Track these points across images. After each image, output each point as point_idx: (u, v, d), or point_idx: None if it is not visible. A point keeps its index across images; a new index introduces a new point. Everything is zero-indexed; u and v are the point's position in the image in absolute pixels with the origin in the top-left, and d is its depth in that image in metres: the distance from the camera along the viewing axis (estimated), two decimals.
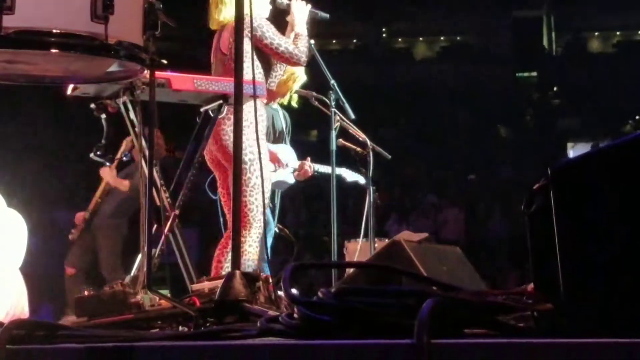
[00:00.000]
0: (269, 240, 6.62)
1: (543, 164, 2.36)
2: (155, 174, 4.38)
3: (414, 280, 2.58)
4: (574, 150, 20.49)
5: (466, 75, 25.27)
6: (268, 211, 6.77)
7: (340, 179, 7.08)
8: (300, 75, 6.84)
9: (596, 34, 29.19)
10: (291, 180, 7.05)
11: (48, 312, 9.96)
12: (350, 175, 7.45)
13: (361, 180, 7.38)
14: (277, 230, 6.89)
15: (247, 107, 4.70)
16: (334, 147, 6.62)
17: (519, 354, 1.74)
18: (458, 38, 30.28)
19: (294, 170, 7.04)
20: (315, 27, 6.07)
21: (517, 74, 27.13)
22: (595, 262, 1.97)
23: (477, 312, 2.10)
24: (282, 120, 7.09)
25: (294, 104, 7.03)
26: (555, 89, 26.70)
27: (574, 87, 24.87)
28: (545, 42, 28.45)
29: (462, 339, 2.02)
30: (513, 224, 17.00)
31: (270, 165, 6.52)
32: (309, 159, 7.16)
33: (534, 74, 27.75)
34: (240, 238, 3.11)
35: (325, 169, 7.09)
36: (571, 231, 2.02)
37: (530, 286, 2.37)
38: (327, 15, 6.16)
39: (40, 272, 8.21)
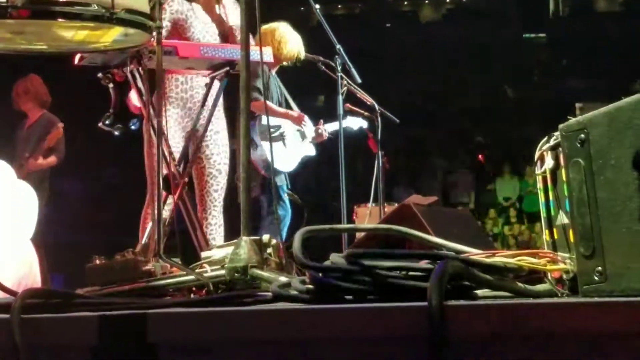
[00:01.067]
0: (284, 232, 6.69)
1: (552, 125, 2.35)
2: (163, 142, 4.38)
3: (424, 244, 2.57)
4: (582, 112, 20.39)
5: (472, 37, 25.14)
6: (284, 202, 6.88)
7: (347, 131, 7.10)
8: (289, 39, 6.82)
9: None
10: (313, 151, 7.11)
11: (59, 281, 10.01)
12: (355, 123, 7.46)
13: (364, 124, 7.41)
14: (287, 197, 6.92)
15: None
16: (341, 111, 6.61)
17: (532, 313, 1.74)
18: (463, 0, 30.11)
19: (312, 139, 7.11)
20: None
21: (524, 35, 26.99)
22: (607, 220, 1.97)
23: (489, 274, 2.10)
24: (282, 88, 7.11)
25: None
26: (562, 49, 26.57)
27: (581, 47, 24.74)
28: (551, 2, 28.27)
29: (475, 300, 2.02)
30: (522, 184, 16.99)
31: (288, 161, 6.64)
32: (321, 121, 7.19)
33: (541, 34, 27.60)
34: (246, 205, 3.10)
35: (333, 126, 7.12)
36: (582, 190, 2.02)
37: (543, 246, 2.37)
38: None
39: (50, 242, 8.24)
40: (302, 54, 6.86)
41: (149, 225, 4.36)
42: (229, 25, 5.67)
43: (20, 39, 3.07)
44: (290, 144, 7.03)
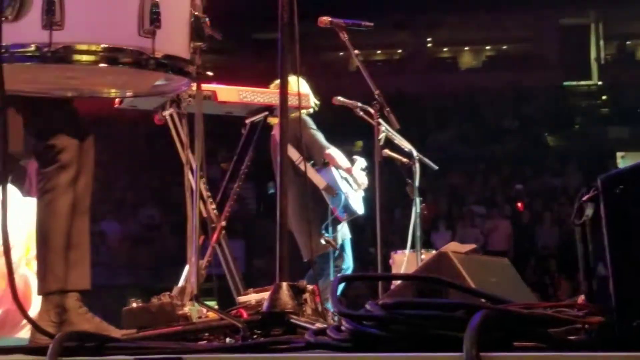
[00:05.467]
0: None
1: (592, 174, 2.33)
2: (202, 186, 4.40)
3: (461, 293, 2.55)
4: (623, 160, 20.26)
5: (513, 84, 25.12)
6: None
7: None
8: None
9: None
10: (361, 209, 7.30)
11: None
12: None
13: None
14: (324, 242, 6.93)
15: None
16: (378, 158, 6.61)
17: None
18: (504, 47, 30.13)
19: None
20: (359, 38, 6.06)
21: (564, 83, 26.92)
22: None
23: (526, 325, 2.08)
24: None
25: None
26: (604, 97, 26.47)
27: (623, 95, 24.63)
28: (593, 50, 28.22)
29: (512, 352, 2.00)
30: (562, 234, 16.86)
31: None
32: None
33: (583, 82, 27.52)
34: (283, 251, 3.10)
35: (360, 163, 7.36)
36: (622, 242, 2.00)
37: (581, 298, 2.34)
38: (371, 24, 6.17)
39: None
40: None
41: (186, 268, 4.38)
42: None
43: (62, 83, 3.11)
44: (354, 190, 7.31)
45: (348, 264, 7.27)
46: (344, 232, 7.26)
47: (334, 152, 7.14)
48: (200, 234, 4.22)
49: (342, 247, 7.22)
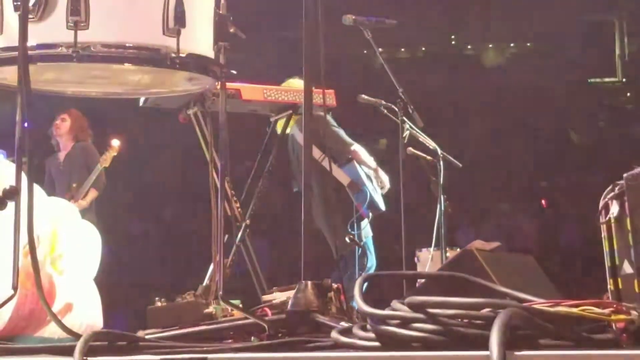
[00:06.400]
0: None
1: (617, 171, 2.32)
2: (226, 185, 4.41)
3: (487, 291, 2.55)
4: None
5: (537, 81, 25.00)
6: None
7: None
8: None
9: None
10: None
11: (121, 322, 10.07)
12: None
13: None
14: (348, 240, 6.91)
15: None
16: (403, 155, 6.60)
17: None
18: (528, 44, 30.01)
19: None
20: (383, 35, 6.05)
21: (589, 80, 26.78)
22: None
23: (552, 323, 2.07)
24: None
25: None
26: (628, 94, 26.31)
27: None
28: (617, 47, 28.06)
29: (538, 350, 1.99)
30: (586, 231, 16.78)
31: None
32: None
33: (607, 78, 27.36)
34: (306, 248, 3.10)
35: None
36: None
37: (607, 296, 2.33)
38: (395, 22, 6.16)
39: (113, 282, 8.30)
40: None
41: (211, 267, 4.39)
42: None
43: (88, 83, 3.12)
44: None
45: (372, 262, 7.25)
46: (367, 230, 7.24)
47: (358, 148, 7.11)
48: (225, 233, 4.23)
49: (366, 244, 7.20)
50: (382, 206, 7.31)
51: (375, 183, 7.25)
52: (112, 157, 8.80)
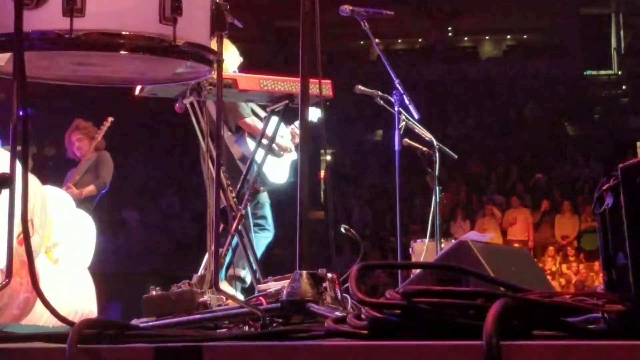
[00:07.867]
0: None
1: (612, 163, 2.33)
2: (221, 174, 4.41)
3: (481, 281, 2.55)
4: None
5: (533, 73, 25.04)
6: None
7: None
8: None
9: None
10: (295, 155, 6.84)
11: (116, 310, 10.08)
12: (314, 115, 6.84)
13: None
14: (344, 231, 6.89)
15: None
16: (398, 146, 6.60)
17: (590, 356, 1.71)
18: (525, 36, 30.01)
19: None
20: (381, 26, 6.04)
21: (585, 72, 26.81)
22: None
23: (546, 314, 2.07)
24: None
25: None
26: (624, 87, 26.34)
27: None
28: (613, 40, 28.07)
29: (532, 340, 2.00)
30: (581, 223, 16.81)
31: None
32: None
33: (603, 71, 27.40)
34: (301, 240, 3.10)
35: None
36: None
37: (601, 286, 2.33)
38: (392, 13, 6.16)
39: (108, 271, 8.31)
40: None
41: (206, 256, 4.39)
42: None
43: (83, 70, 3.12)
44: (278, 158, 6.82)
45: (271, 231, 6.95)
46: (263, 200, 6.93)
47: (250, 120, 6.55)
48: (220, 222, 4.23)
49: (264, 216, 6.91)
50: (278, 179, 6.75)
51: (277, 153, 6.70)
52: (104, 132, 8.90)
